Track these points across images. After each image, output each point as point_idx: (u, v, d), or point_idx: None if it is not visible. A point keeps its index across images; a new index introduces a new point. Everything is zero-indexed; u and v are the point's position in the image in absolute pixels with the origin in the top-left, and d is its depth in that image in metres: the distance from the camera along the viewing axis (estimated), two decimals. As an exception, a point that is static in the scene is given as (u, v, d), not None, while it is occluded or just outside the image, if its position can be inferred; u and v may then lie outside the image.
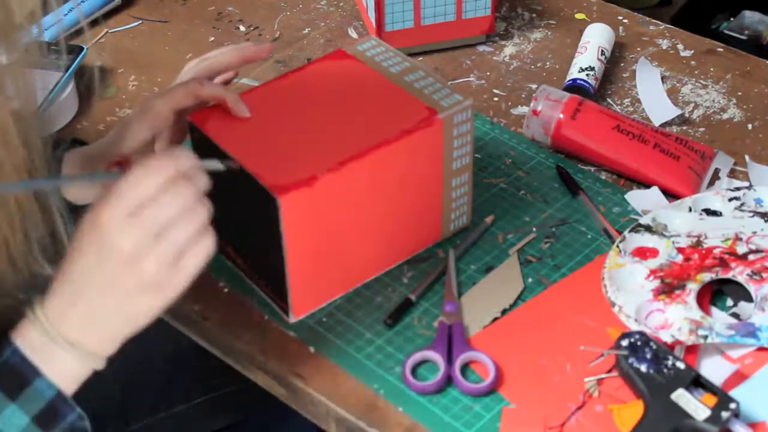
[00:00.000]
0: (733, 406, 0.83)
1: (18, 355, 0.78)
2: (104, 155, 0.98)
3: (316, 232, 0.92)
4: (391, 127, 0.94)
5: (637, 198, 1.08)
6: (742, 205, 1.03)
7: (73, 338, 0.78)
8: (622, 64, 1.29)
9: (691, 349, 0.91)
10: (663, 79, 1.26)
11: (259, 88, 1.00)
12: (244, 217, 0.95)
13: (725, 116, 1.21)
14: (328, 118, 0.95)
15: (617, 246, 1.00)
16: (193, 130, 0.96)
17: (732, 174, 1.12)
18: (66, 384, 0.79)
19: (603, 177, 1.12)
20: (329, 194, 0.91)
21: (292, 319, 0.97)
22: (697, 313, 0.93)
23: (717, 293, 0.98)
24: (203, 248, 0.78)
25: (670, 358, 0.87)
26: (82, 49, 1.25)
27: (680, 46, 1.32)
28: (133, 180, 0.76)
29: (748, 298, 0.96)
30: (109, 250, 0.76)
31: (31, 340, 0.78)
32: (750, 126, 1.19)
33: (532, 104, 1.14)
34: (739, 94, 1.24)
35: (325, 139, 0.93)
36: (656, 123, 1.18)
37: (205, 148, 0.94)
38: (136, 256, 0.76)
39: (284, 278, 0.93)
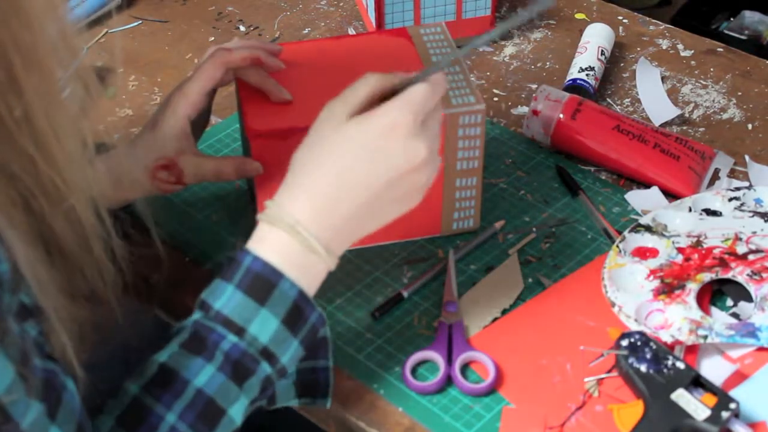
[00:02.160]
0: (733, 406, 0.84)
1: (259, 262, 0.79)
2: (142, 163, 0.96)
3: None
4: None
5: (637, 198, 1.08)
6: (742, 205, 1.03)
7: (327, 242, 0.80)
8: (622, 64, 1.29)
9: (691, 349, 0.91)
10: (663, 79, 1.26)
11: (303, 43, 1.06)
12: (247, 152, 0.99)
13: (725, 116, 1.21)
14: (345, 83, 0.92)
15: (617, 246, 1.00)
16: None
17: (732, 174, 1.12)
18: (311, 284, 0.81)
19: (603, 177, 1.12)
20: None
21: None
22: (696, 313, 0.93)
23: (717, 293, 0.98)
24: (435, 168, 0.84)
25: (670, 358, 0.87)
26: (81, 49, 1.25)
27: (680, 46, 1.32)
28: (424, 94, 0.81)
29: (748, 298, 0.96)
30: (403, 158, 0.80)
31: (276, 245, 0.80)
32: (750, 126, 1.19)
33: (532, 104, 1.14)
34: (739, 94, 1.24)
35: (322, 101, 0.88)
36: (656, 123, 1.18)
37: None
38: (419, 168, 0.81)
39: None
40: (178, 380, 0.77)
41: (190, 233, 1.06)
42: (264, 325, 0.79)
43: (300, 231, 0.79)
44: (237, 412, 0.79)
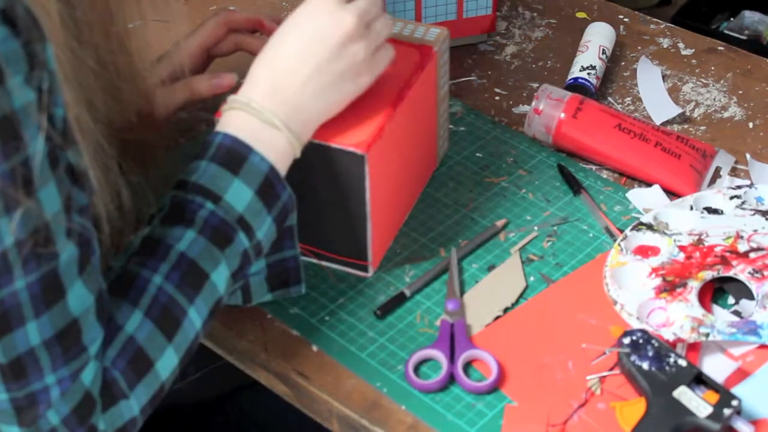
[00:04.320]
0: (734, 403, 0.84)
1: (229, 137, 0.84)
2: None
3: (386, 181, 0.98)
4: (402, 74, 1.00)
5: (638, 196, 1.09)
6: (743, 203, 1.04)
7: (283, 116, 0.86)
8: (623, 63, 1.29)
9: (693, 347, 0.92)
10: (664, 77, 1.26)
11: None
12: (310, 200, 0.96)
13: (726, 115, 1.21)
14: None
15: (619, 244, 1.00)
16: None
17: (733, 172, 1.12)
18: (277, 162, 0.85)
19: (604, 175, 1.12)
20: (388, 143, 0.97)
21: (371, 272, 1.01)
22: (698, 311, 0.93)
23: (718, 291, 0.98)
24: (388, 52, 0.93)
25: (672, 355, 0.87)
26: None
27: (681, 45, 1.32)
28: None
29: (750, 295, 0.96)
30: (331, 27, 0.87)
31: (237, 124, 0.85)
32: (751, 124, 1.19)
33: (533, 103, 1.14)
34: (740, 92, 1.24)
35: (352, 104, 0.94)
36: (657, 122, 1.18)
37: None
38: (353, 38, 0.88)
39: (365, 234, 0.98)
40: (161, 247, 0.80)
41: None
42: (239, 194, 0.82)
43: (255, 107, 0.85)
44: (219, 278, 0.81)
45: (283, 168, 0.87)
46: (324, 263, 1.01)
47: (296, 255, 0.90)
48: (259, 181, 0.84)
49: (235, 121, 0.86)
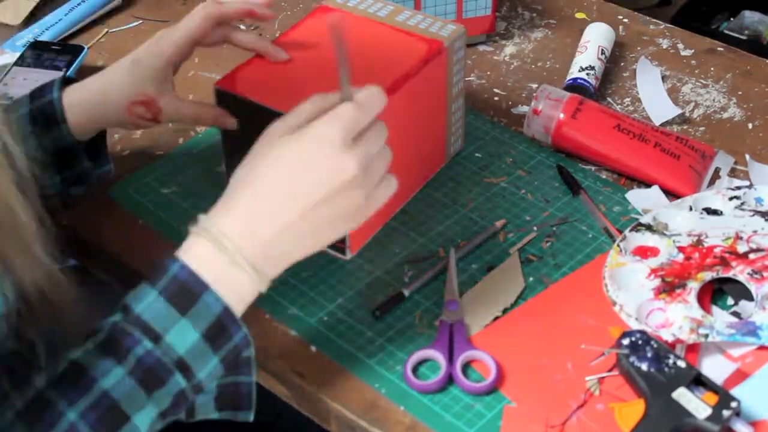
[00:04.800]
0: (734, 404, 0.84)
1: (186, 270, 0.77)
2: (119, 95, 0.99)
3: None
4: (405, 64, 1.00)
5: (637, 197, 1.08)
6: (742, 204, 1.04)
7: (254, 259, 0.78)
8: (622, 64, 1.29)
9: (692, 348, 0.91)
10: (663, 78, 1.26)
11: (303, 29, 1.06)
12: None
13: (725, 115, 1.21)
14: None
15: (618, 245, 1.00)
16: (222, 97, 1.01)
17: (732, 173, 1.12)
18: (238, 302, 0.79)
19: (603, 176, 1.12)
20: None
21: (349, 255, 1.02)
22: (697, 312, 0.93)
23: (718, 292, 0.98)
24: (389, 186, 0.83)
25: (671, 356, 0.87)
26: (82, 49, 1.25)
27: (680, 46, 1.32)
28: (351, 112, 0.79)
29: (749, 296, 0.96)
30: (329, 173, 0.78)
31: (201, 257, 0.78)
32: (750, 125, 1.19)
33: (532, 103, 1.14)
34: (740, 93, 1.24)
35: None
36: (656, 122, 1.18)
37: (239, 110, 1.00)
38: (351, 185, 0.79)
39: None
40: (85, 378, 0.75)
41: (175, 220, 1.07)
42: (182, 336, 0.76)
43: (226, 245, 0.77)
44: (143, 420, 0.76)
45: (242, 306, 0.79)
46: None
47: (250, 382, 0.83)
48: (208, 322, 0.77)
49: (198, 252, 0.78)
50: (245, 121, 1.01)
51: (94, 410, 0.73)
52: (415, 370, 0.92)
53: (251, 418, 0.84)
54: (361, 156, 0.80)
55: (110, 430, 0.74)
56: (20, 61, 1.23)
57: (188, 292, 0.77)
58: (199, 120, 1.01)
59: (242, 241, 0.78)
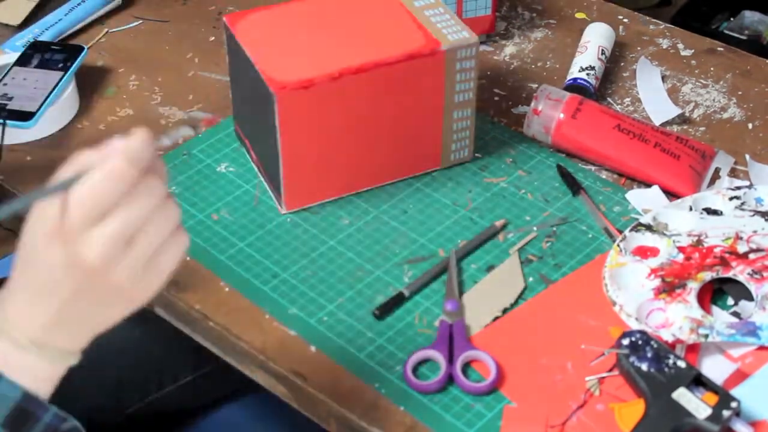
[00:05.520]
0: (734, 404, 0.84)
1: None
2: None
3: (309, 132, 1.02)
4: (396, 51, 1.03)
5: (637, 197, 1.08)
6: (742, 204, 1.03)
7: (39, 339, 0.72)
8: (622, 64, 1.29)
9: (692, 348, 0.91)
10: (663, 78, 1.26)
11: (294, 2, 1.10)
12: (256, 113, 1.06)
13: (725, 115, 1.21)
14: (343, 33, 1.05)
15: (618, 245, 1.00)
16: (227, 31, 1.07)
17: (732, 173, 1.12)
18: (39, 385, 0.74)
19: (603, 176, 1.12)
20: (326, 100, 1.01)
21: (284, 210, 1.07)
22: (697, 312, 0.93)
23: (718, 292, 0.98)
24: (177, 248, 0.72)
25: (671, 357, 0.87)
26: (82, 49, 1.25)
27: (680, 46, 1.32)
28: (92, 187, 0.68)
29: (749, 297, 0.96)
30: (75, 262, 0.69)
31: None
32: (750, 125, 1.19)
33: (532, 104, 1.14)
34: (740, 93, 1.24)
35: (334, 51, 1.02)
36: (657, 122, 1.18)
37: (233, 46, 1.07)
38: (105, 268, 0.69)
39: (278, 170, 1.04)
40: None
41: (191, 232, 1.06)
42: None
43: (9, 332, 0.72)
44: None
45: (47, 385, 0.74)
46: (261, 179, 1.11)
47: None
48: (8, 410, 0.72)
49: None
50: (240, 63, 1.07)
51: None
52: (415, 370, 0.92)
53: None
54: (105, 236, 0.68)
55: None
56: (20, 61, 1.23)
57: None
58: None
59: (21, 323, 0.72)
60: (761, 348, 0.91)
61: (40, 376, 0.74)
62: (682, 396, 0.84)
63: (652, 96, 1.23)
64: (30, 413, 0.73)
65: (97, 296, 0.71)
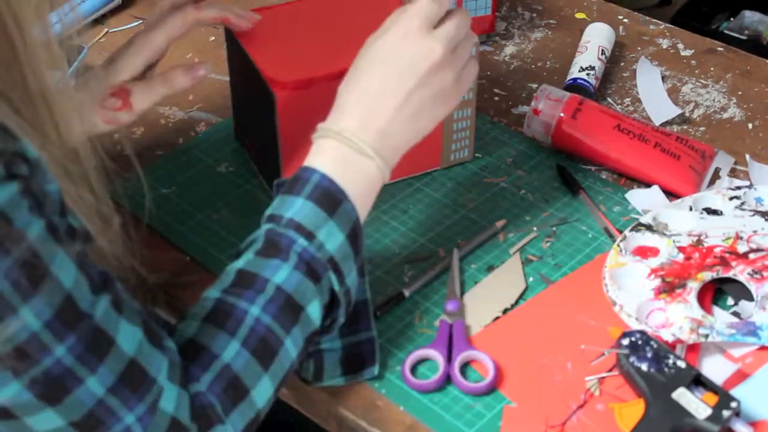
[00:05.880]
0: (734, 404, 0.84)
1: (327, 178, 0.84)
2: (96, 90, 0.99)
3: (309, 132, 1.01)
4: None
5: (637, 197, 1.08)
6: (742, 204, 1.03)
7: (375, 146, 0.86)
8: (622, 64, 1.29)
9: (692, 348, 0.91)
10: (663, 78, 1.26)
11: (294, 2, 1.10)
12: (256, 113, 1.06)
13: (725, 115, 1.21)
14: (343, 33, 1.05)
15: (618, 245, 1.00)
16: (228, 34, 1.08)
17: (732, 173, 1.12)
18: (368, 193, 0.87)
19: (603, 176, 1.12)
20: (326, 100, 1.00)
21: None
22: (698, 312, 0.93)
23: (718, 292, 0.98)
24: (475, 67, 0.93)
25: (671, 357, 0.87)
26: (82, 49, 1.25)
27: (680, 46, 1.32)
28: (428, 3, 0.88)
29: (749, 297, 0.96)
30: (419, 57, 0.87)
31: (332, 155, 0.86)
32: (750, 125, 1.19)
33: (532, 104, 1.14)
34: (740, 93, 1.24)
35: (334, 51, 1.02)
36: (657, 122, 1.18)
37: (233, 46, 1.08)
38: (441, 65, 0.88)
39: (278, 170, 1.03)
40: (257, 280, 0.81)
41: (191, 232, 1.06)
42: (331, 235, 0.83)
43: (348, 136, 0.86)
44: (314, 311, 0.82)
45: (371, 197, 0.88)
46: (262, 180, 1.11)
47: (372, 338, 0.90)
48: (350, 226, 0.85)
49: (328, 150, 0.86)
50: (240, 63, 1.07)
51: (274, 303, 0.80)
52: (414, 369, 0.92)
53: (375, 372, 0.90)
54: (446, 38, 0.88)
55: (290, 319, 0.81)
56: (20, 61, 1.23)
57: (332, 197, 0.84)
58: (171, 81, 1.00)
59: (360, 131, 0.86)
60: (761, 348, 0.91)
61: (373, 186, 0.88)
62: (682, 396, 0.84)
63: (652, 96, 1.23)
64: (359, 237, 0.86)
65: (430, 92, 0.88)
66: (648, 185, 1.10)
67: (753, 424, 0.85)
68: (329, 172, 0.85)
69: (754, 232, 1.00)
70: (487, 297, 0.98)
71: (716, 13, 2.29)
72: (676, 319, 0.92)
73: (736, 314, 0.95)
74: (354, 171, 0.86)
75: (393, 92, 0.87)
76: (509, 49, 1.32)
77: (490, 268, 1.01)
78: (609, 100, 1.23)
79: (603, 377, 0.90)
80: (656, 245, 1.00)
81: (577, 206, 1.08)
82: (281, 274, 0.81)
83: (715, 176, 1.11)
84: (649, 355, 0.87)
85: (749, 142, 1.17)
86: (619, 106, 1.22)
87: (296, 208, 0.83)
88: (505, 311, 0.97)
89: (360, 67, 0.89)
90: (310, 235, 0.82)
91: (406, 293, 0.98)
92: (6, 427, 0.70)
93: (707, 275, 0.96)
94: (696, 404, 0.84)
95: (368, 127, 0.87)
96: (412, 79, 0.87)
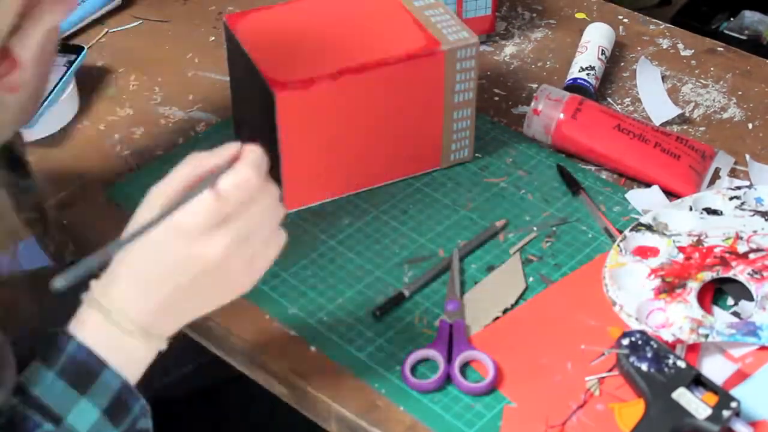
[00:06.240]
0: (734, 404, 0.84)
1: (83, 350, 0.77)
2: None
3: (309, 132, 1.02)
4: (396, 51, 1.03)
5: (637, 197, 1.08)
6: (742, 204, 1.04)
7: (147, 325, 0.78)
8: (622, 64, 1.29)
9: (692, 348, 0.91)
10: (663, 78, 1.26)
11: (294, 2, 1.11)
12: (256, 113, 1.06)
13: (725, 115, 1.21)
14: (343, 33, 1.06)
15: (618, 245, 1.00)
16: (227, 31, 1.08)
17: (732, 173, 1.12)
18: (134, 370, 0.79)
19: (603, 176, 1.12)
20: (326, 100, 1.01)
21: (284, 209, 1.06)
22: (698, 312, 0.93)
23: (718, 292, 0.98)
24: (280, 240, 0.81)
25: (671, 357, 0.87)
26: (82, 49, 1.25)
27: (680, 46, 1.32)
28: (211, 203, 0.76)
29: (749, 296, 0.96)
30: (196, 257, 0.76)
31: (95, 330, 0.77)
32: (750, 125, 1.19)
33: (532, 104, 1.14)
34: (740, 93, 1.24)
35: (334, 51, 1.03)
36: (657, 122, 1.18)
37: (233, 46, 1.08)
38: (223, 263, 0.77)
39: (279, 170, 1.03)
40: None
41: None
42: (83, 416, 0.76)
43: (116, 318, 0.77)
44: None
45: (140, 371, 0.80)
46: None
47: None
48: (108, 400, 0.77)
49: (91, 325, 0.78)
50: (240, 63, 1.06)
51: None
52: (414, 369, 0.92)
53: None
54: (227, 237, 0.76)
55: None
56: (20, 61, 1.23)
57: (87, 372, 0.77)
58: (43, 20, 0.77)
59: (134, 311, 0.77)
60: (761, 348, 0.91)
61: (140, 362, 0.79)
62: (682, 396, 0.84)
63: (652, 96, 1.23)
64: (125, 403, 0.79)
65: (210, 285, 0.78)
66: (648, 185, 1.10)
67: (753, 424, 0.85)
68: (88, 342, 0.77)
69: (754, 232, 1.00)
70: (487, 297, 0.98)
71: (716, 13, 2.29)
72: (676, 319, 0.92)
73: (736, 314, 0.95)
74: (118, 351, 0.78)
75: (171, 274, 0.77)
76: (509, 49, 1.32)
77: (490, 268, 1.01)
78: (609, 100, 1.23)
79: (603, 377, 0.90)
80: (656, 245, 1.00)
81: (577, 206, 1.08)
82: None
83: (715, 176, 1.11)
84: (649, 355, 0.87)
85: (749, 142, 1.17)
86: (619, 106, 1.22)
87: (45, 385, 0.76)
88: (505, 311, 0.97)
89: (146, 242, 0.76)
90: (57, 419, 0.75)
91: (406, 293, 0.98)
92: None
93: (707, 275, 0.96)
94: (696, 404, 0.84)
95: (141, 305, 0.78)
96: (179, 280, 0.77)
